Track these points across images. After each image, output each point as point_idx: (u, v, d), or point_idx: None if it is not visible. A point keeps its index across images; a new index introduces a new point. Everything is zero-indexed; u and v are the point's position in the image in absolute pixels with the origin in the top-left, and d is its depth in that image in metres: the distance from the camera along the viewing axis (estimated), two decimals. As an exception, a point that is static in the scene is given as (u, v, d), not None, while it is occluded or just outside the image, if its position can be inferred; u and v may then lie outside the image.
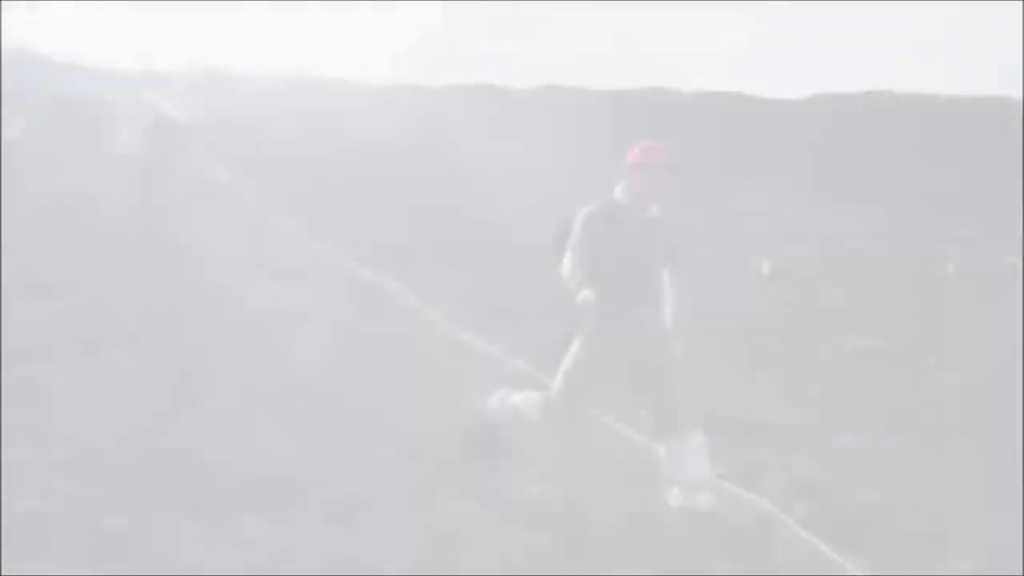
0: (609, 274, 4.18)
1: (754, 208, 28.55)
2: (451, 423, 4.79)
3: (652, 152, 4.35)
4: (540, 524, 3.69)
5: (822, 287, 14.91)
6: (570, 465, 4.51)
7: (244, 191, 15.35)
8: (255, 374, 5.15)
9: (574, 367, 4.19)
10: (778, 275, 15.34)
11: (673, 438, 4.12)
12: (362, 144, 14.62)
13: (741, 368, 7.91)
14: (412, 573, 3.24)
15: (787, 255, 18.24)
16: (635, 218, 4.33)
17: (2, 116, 13.10)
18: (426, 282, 9.58)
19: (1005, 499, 5.39)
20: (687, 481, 4.09)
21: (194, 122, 11.54)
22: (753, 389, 7.28)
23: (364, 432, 4.58)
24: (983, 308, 15.17)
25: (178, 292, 6.95)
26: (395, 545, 3.44)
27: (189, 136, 13.64)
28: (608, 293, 4.12)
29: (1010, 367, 10.40)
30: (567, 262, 4.24)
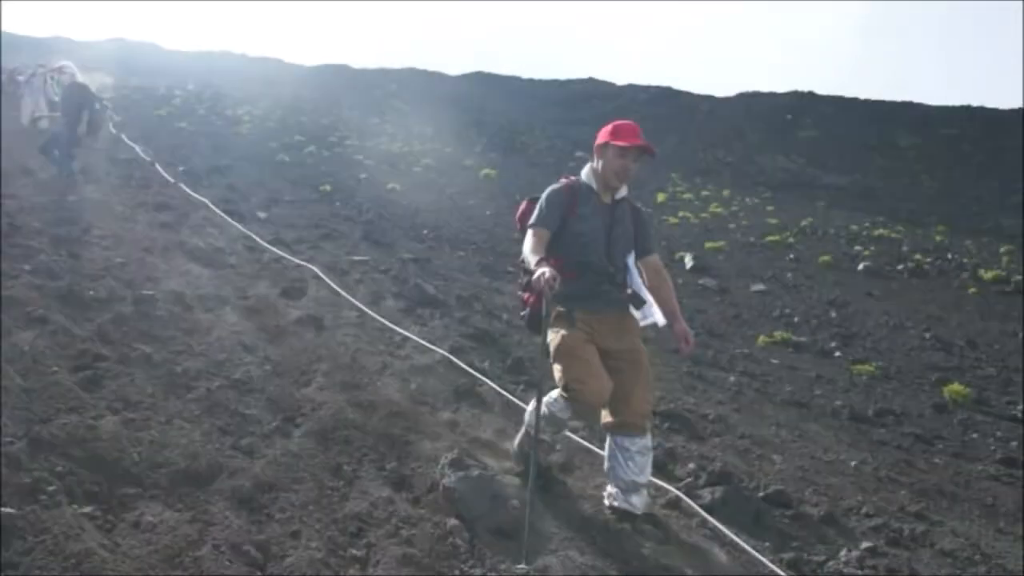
0: (577, 257, 3.99)
1: (678, 201, 29.05)
2: (366, 409, 4.73)
3: (623, 132, 4.01)
4: (450, 511, 3.67)
5: (741, 280, 15.34)
6: (484, 448, 4.51)
7: (161, 168, 14.97)
8: (163, 358, 4.98)
9: (564, 360, 3.88)
10: (700, 268, 15.74)
11: (626, 438, 3.91)
12: (281, 117, 14.34)
13: (661, 358, 8.05)
14: (323, 558, 3.18)
15: (710, 248, 18.71)
16: (603, 200, 4.08)
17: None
18: (350, 266, 9.50)
19: (903, 483, 5.63)
20: (628, 483, 3.89)
21: (109, 93, 11.12)
22: (673, 379, 7.42)
23: (276, 418, 4.48)
24: (893, 303, 15.85)
25: (84, 271, 6.69)
26: (305, 531, 3.38)
27: (103, 108, 13.19)
28: (577, 276, 3.96)
29: (915, 359, 10.88)
30: (526, 240, 3.97)
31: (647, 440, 3.94)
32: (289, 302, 7.07)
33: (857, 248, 23.61)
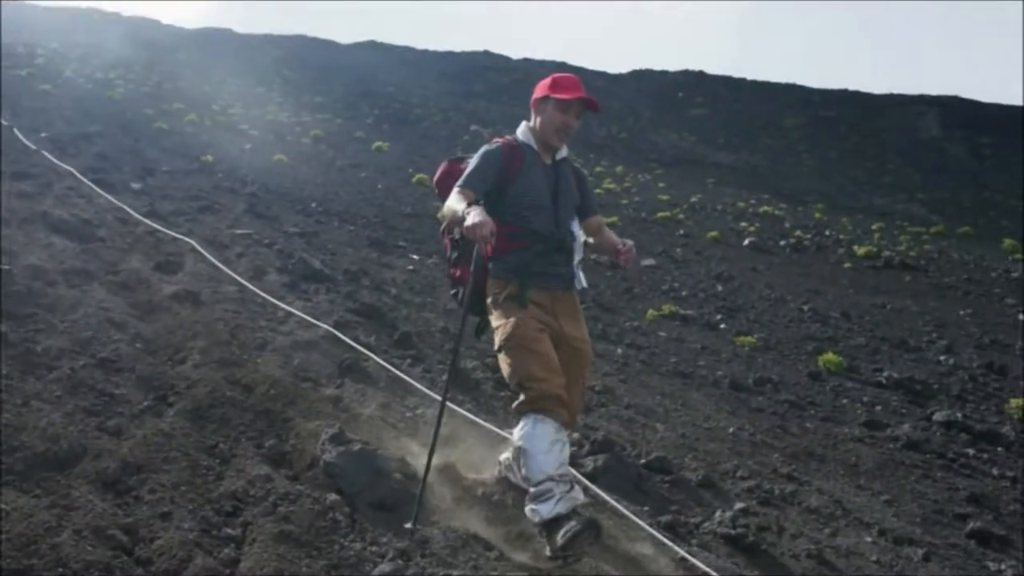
0: (525, 224, 3.52)
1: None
2: (245, 386, 4.57)
3: (564, 85, 3.58)
4: (331, 487, 3.59)
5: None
6: (368, 423, 4.43)
7: (20, 134, 14.01)
8: (20, 336, 4.66)
9: (515, 354, 3.35)
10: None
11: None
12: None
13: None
14: (195, 539, 3.06)
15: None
16: (542, 160, 3.64)
17: None
18: (231, 239, 9.16)
19: (777, 447, 5.89)
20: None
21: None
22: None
23: (147, 397, 4.27)
24: (775, 277, 16.54)
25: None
26: (177, 512, 3.23)
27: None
28: (528, 246, 3.50)
29: (793, 330, 11.40)
30: (447, 201, 3.44)
31: (568, 433, 3.57)
32: (164, 277, 6.75)
33: (743, 224, 24.51)
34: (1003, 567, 4.11)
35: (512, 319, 3.39)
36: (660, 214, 23.06)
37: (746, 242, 20.27)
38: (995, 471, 6.38)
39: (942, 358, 10.67)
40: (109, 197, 9.91)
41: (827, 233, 25.55)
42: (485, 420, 4.76)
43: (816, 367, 9.10)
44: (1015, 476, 6.31)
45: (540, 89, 3.62)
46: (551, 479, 3.23)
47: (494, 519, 3.65)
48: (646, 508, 4.16)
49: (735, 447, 5.66)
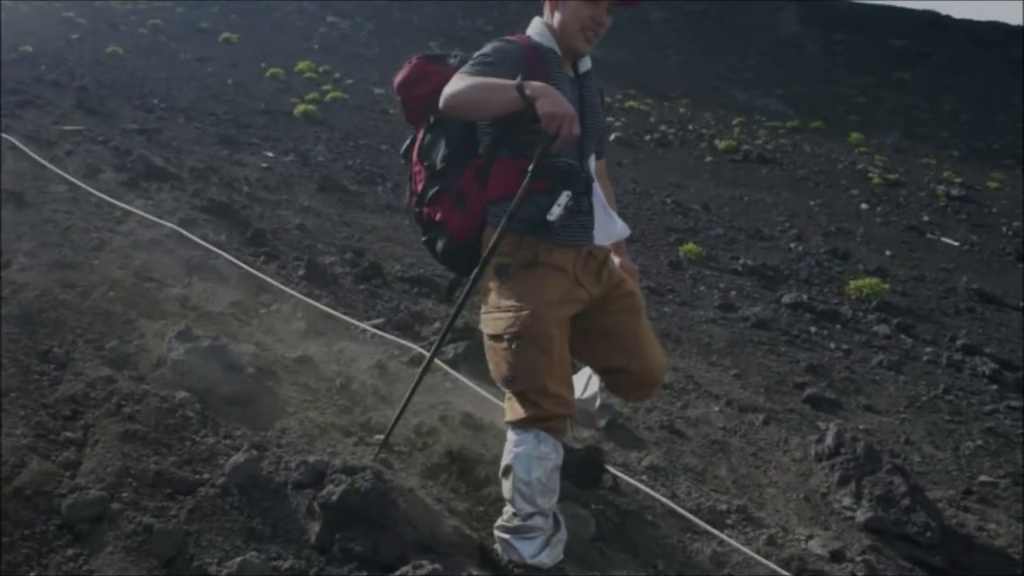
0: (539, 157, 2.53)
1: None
2: (81, 289, 4.27)
3: None
4: (179, 384, 3.44)
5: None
6: (218, 321, 4.26)
7: None
8: None
9: (523, 352, 2.57)
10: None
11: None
12: None
13: (413, 226, 8.03)
14: (30, 444, 2.87)
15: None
16: (566, 71, 2.75)
17: None
18: (58, 136, 8.43)
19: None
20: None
21: None
22: (423, 246, 7.42)
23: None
24: (640, 171, 16.88)
25: None
26: (8, 420, 3.01)
27: None
28: (552, 188, 2.59)
29: (657, 222, 11.72)
30: (454, 87, 2.49)
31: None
32: (-20, 177, 6.14)
33: (609, 119, 24.74)
34: (829, 425, 4.47)
35: (527, 305, 2.55)
36: (527, 111, 22.94)
37: (613, 137, 20.52)
38: (832, 345, 6.88)
39: (792, 245, 11.30)
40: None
41: (690, 128, 26.22)
42: (344, 313, 4.67)
43: (677, 256, 9.43)
44: (848, 348, 6.82)
45: None
46: (541, 514, 2.61)
47: (352, 408, 3.62)
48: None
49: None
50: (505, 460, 2.64)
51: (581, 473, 3.21)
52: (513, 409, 2.62)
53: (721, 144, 21.91)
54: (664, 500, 3.39)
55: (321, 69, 23.08)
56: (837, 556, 3.39)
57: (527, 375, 2.57)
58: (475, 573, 2.59)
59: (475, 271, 2.66)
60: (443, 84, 2.58)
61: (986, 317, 9.02)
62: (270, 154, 10.74)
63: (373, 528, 2.65)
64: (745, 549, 3.11)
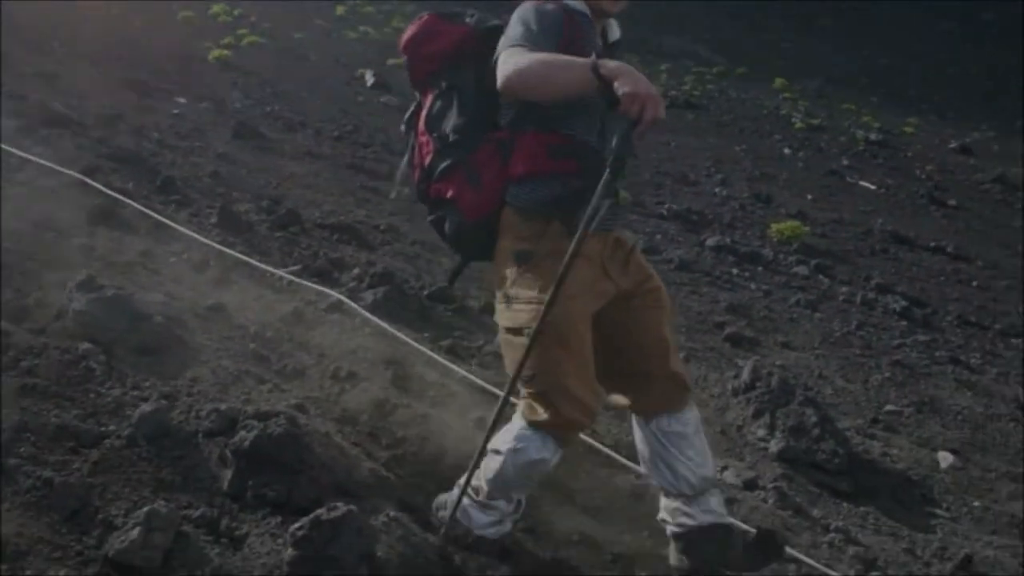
0: (580, 134, 2.38)
1: (358, 15, 27.80)
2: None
3: None
4: (82, 336, 3.29)
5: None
6: (124, 270, 4.09)
7: None
8: None
9: (547, 352, 2.30)
10: (382, 85, 15.36)
11: (674, 419, 2.54)
12: None
13: (331, 172, 7.86)
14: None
15: (392, 65, 18.27)
16: (597, 40, 2.50)
17: None
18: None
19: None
20: (699, 481, 2.54)
21: None
22: (345, 192, 7.28)
23: None
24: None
25: None
26: None
27: None
28: (580, 170, 2.34)
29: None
30: (521, 58, 2.21)
31: (695, 410, 2.62)
32: None
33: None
34: (746, 362, 4.58)
35: (558, 294, 2.24)
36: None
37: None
38: (752, 286, 7.05)
39: (717, 190, 11.46)
40: None
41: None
42: (259, 261, 4.55)
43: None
44: (768, 289, 7.00)
45: None
46: (508, 500, 2.54)
47: (266, 356, 3.54)
48: (427, 334, 4.20)
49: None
50: (499, 444, 2.45)
51: (754, 556, 2.59)
52: (530, 409, 2.39)
53: (648, 90, 21.95)
54: (584, 437, 3.43)
55: (236, 12, 22.16)
56: (750, 485, 3.50)
57: (548, 375, 2.33)
58: (393, 514, 2.58)
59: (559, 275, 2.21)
60: (455, 43, 2.46)
61: (899, 257, 9.37)
62: (182, 100, 10.29)
63: (287, 473, 2.61)
64: (661, 481, 3.17)
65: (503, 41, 2.31)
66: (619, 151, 2.13)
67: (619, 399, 2.60)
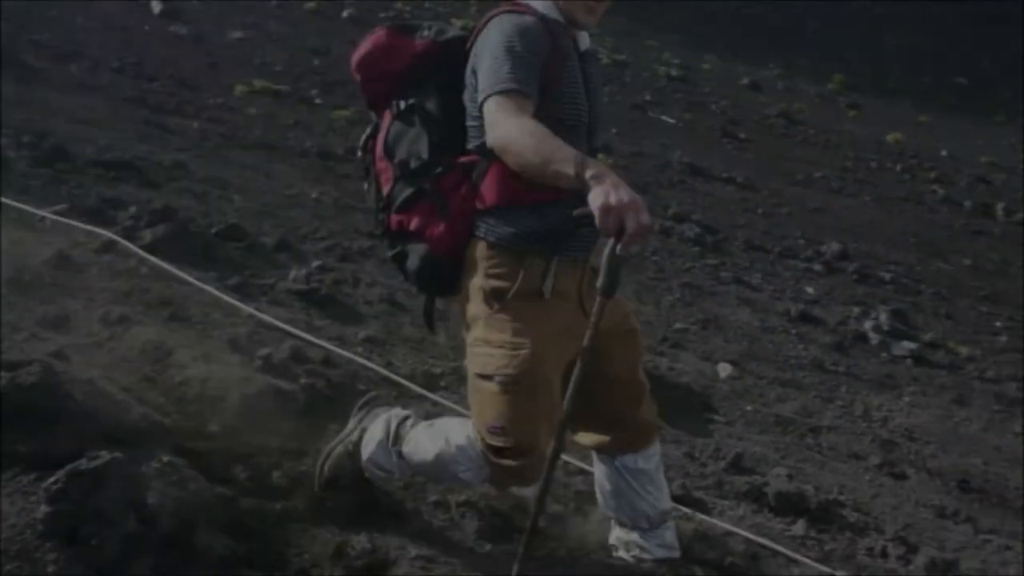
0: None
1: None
2: None
3: None
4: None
5: (218, 28, 14.34)
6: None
7: None
8: None
9: (513, 397, 2.12)
10: (171, 13, 14.22)
11: (639, 456, 2.44)
12: None
13: (111, 105, 7.22)
14: None
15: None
16: (574, 49, 2.27)
17: None
18: None
19: (359, 208, 5.97)
20: (657, 515, 2.47)
21: None
22: (126, 127, 6.71)
23: None
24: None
25: None
26: None
27: None
28: (558, 195, 2.06)
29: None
30: (510, 122, 1.99)
31: (658, 443, 2.53)
32: None
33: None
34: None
35: (526, 342, 2.11)
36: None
37: (345, 14, 19.64)
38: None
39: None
40: None
41: (426, 6, 25.70)
42: (16, 200, 4.11)
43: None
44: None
45: None
46: (404, 475, 2.50)
47: (23, 303, 3.22)
48: (213, 273, 3.98)
49: (317, 212, 5.63)
50: (449, 437, 2.28)
51: None
52: (494, 452, 2.17)
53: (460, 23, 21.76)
54: (377, 368, 3.40)
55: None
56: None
57: (520, 429, 2.14)
58: (167, 459, 2.43)
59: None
60: (415, 60, 2.23)
61: (695, 188, 9.91)
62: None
63: (43, 425, 2.41)
64: (455, 407, 3.20)
65: (487, 71, 2.07)
66: (606, 289, 1.95)
67: (585, 440, 2.47)
